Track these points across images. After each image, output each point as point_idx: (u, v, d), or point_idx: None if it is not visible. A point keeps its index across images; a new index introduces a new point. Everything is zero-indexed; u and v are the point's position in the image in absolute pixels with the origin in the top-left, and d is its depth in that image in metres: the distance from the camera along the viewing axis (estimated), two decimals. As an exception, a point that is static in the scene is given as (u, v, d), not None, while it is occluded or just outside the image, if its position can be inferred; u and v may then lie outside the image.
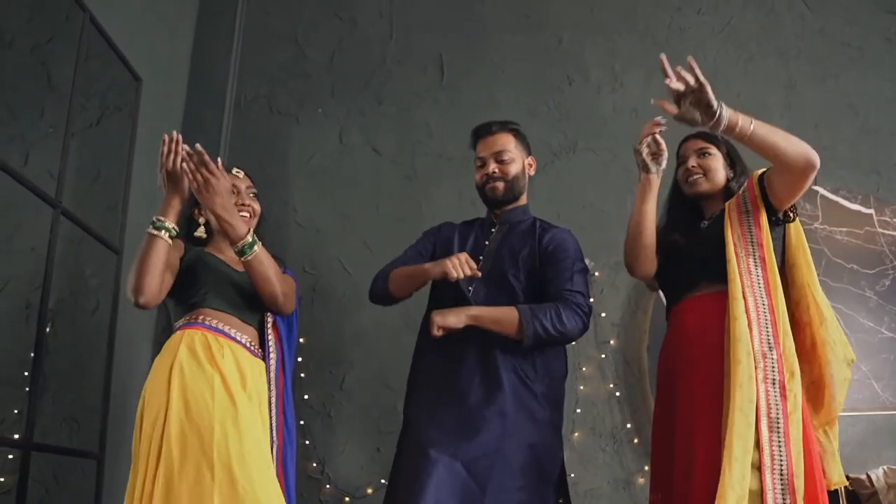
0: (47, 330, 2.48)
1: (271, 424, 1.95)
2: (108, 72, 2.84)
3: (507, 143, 2.22)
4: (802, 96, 3.29)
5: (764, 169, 2.06)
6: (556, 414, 2.08)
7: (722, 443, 1.76)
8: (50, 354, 2.44)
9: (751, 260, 1.93)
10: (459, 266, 1.96)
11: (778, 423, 1.77)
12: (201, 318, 1.93)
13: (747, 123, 1.83)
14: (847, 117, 3.26)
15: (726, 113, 1.81)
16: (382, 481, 2.85)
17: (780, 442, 1.75)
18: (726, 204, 2.07)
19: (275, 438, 1.96)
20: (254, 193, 2.14)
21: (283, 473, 1.97)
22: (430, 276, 2.07)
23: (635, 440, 2.90)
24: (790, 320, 1.94)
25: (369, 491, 2.86)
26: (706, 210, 2.17)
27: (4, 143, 2.41)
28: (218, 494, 1.61)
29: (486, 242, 2.20)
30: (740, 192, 2.08)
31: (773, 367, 1.81)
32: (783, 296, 1.91)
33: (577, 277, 2.08)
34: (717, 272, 1.95)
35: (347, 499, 2.85)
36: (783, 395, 1.79)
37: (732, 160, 2.17)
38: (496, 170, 2.19)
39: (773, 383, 1.80)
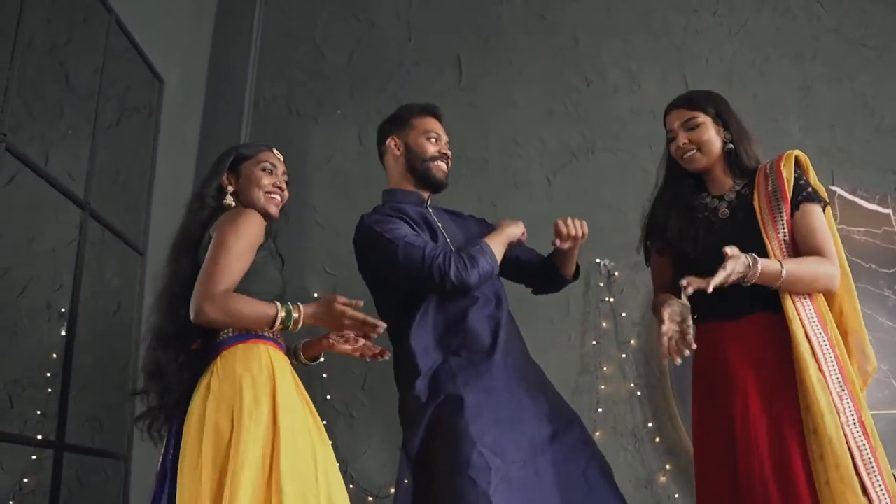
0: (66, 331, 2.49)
1: None
2: (127, 73, 2.85)
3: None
4: (818, 97, 3.31)
5: (805, 184, 1.94)
6: None
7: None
8: (63, 363, 2.43)
9: (801, 297, 1.83)
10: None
11: (871, 464, 1.69)
12: (273, 333, 1.82)
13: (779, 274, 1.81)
14: (863, 118, 3.28)
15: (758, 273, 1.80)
16: (405, 481, 2.86)
17: (880, 483, 1.68)
18: (762, 228, 1.90)
19: None
20: (286, 180, 2.04)
21: None
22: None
23: (657, 439, 2.91)
24: None
25: (392, 490, 2.86)
26: (709, 182, 2.04)
27: (24, 144, 2.42)
28: None
29: (441, 225, 2.17)
30: (776, 214, 1.90)
31: (850, 407, 1.73)
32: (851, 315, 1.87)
33: None
34: (766, 301, 1.84)
35: (370, 498, 2.86)
36: (865, 433, 1.72)
37: (724, 120, 2.01)
38: (449, 155, 2.22)
39: (855, 423, 1.72)
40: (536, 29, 3.42)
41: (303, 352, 2.05)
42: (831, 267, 1.86)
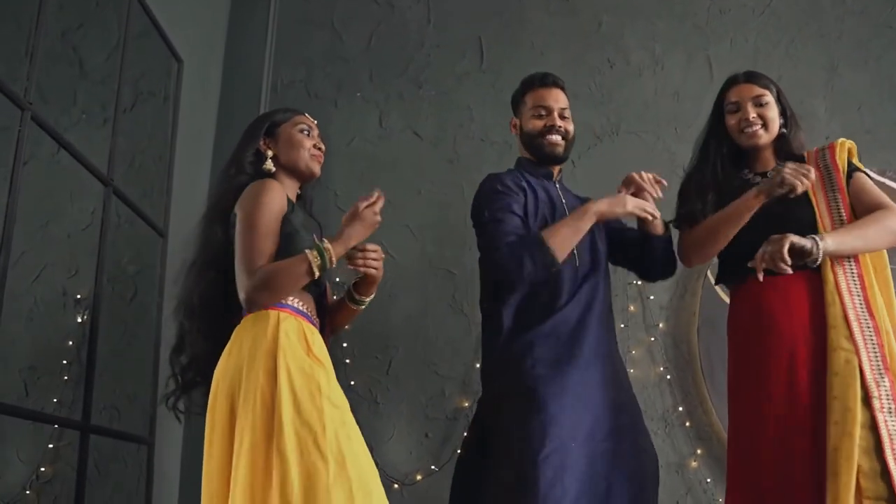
0: (83, 318, 2.45)
1: None
2: (141, 57, 2.80)
3: (567, 103, 2.17)
4: (845, 78, 3.27)
5: (853, 163, 1.96)
6: None
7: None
8: (88, 341, 2.39)
9: (849, 278, 1.83)
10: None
11: None
12: (291, 300, 1.75)
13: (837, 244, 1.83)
14: (890, 99, 3.24)
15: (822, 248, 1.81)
16: (433, 467, 2.81)
17: None
18: (814, 202, 1.92)
19: None
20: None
21: None
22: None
23: (687, 423, 2.86)
24: None
25: (418, 477, 2.81)
26: (753, 160, 2.06)
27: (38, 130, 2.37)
28: (339, 489, 1.52)
29: (564, 201, 2.13)
30: (828, 188, 1.93)
31: (888, 395, 1.73)
32: (886, 310, 1.83)
33: None
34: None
35: (396, 486, 2.80)
36: None
37: (783, 106, 2.04)
38: (561, 125, 2.12)
39: (891, 412, 1.72)
40: (558, 11, 3.37)
41: (356, 290, 1.98)
42: (888, 216, 1.85)
